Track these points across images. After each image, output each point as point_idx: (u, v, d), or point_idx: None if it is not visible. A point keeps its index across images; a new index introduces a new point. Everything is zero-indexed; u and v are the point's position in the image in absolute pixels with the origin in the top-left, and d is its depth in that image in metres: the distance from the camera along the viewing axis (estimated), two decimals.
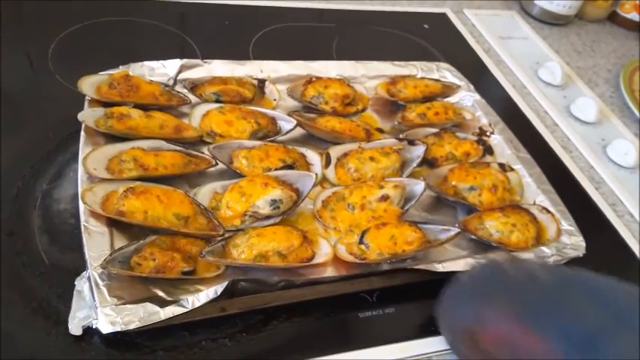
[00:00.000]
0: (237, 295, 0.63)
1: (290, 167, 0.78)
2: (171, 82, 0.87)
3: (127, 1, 1.07)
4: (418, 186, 0.78)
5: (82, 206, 0.65)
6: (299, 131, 0.85)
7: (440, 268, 0.69)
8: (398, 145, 0.85)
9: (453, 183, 0.82)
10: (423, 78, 1.01)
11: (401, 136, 0.88)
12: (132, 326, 0.57)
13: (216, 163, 0.76)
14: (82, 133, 0.74)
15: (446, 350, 0.65)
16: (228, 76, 0.89)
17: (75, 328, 0.58)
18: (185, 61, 0.90)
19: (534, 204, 0.83)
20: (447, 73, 1.05)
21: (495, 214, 0.77)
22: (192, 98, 0.85)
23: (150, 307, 0.58)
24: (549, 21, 1.40)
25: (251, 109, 0.84)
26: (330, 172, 0.81)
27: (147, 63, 0.88)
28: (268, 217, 0.72)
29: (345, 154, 0.83)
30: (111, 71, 0.83)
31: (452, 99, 1.00)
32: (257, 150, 0.78)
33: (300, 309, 0.65)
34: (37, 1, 1.01)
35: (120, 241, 0.65)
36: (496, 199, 0.81)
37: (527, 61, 1.23)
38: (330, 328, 0.66)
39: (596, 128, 1.09)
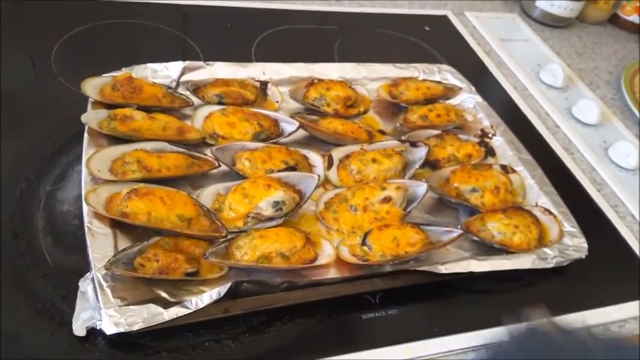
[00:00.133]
0: (240, 296, 0.63)
1: (292, 169, 0.78)
2: (173, 84, 0.87)
3: (130, 3, 1.07)
4: (420, 188, 0.79)
5: (85, 207, 0.66)
6: (301, 133, 0.86)
7: (442, 269, 0.69)
8: (400, 147, 0.85)
9: (455, 185, 0.82)
10: (424, 80, 1.01)
11: (403, 137, 0.88)
12: (136, 327, 0.57)
13: (219, 165, 0.77)
14: (86, 134, 0.74)
15: (448, 352, 0.66)
16: (231, 78, 0.90)
17: (79, 329, 0.58)
18: (188, 63, 0.90)
19: (536, 205, 0.83)
20: (448, 75, 1.05)
21: (498, 216, 0.78)
22: (195, 100, 0.86)
23: (153, 308, 0.58)
24: (550, 23, 1.41)
25: (253, 111, 0.84)
26: (333, 174, 0.81)
27: (150, 65, 0.88)
28: (271, 218, 0.72)
29: (348, 156, 0.83)
30: (114, 73, 0.83)
31: (453, 101, 1.00)
32: (260, 152, 0.78)
33: (303, 310, 0.65)
34: (40, 2, 1.02)
35: (123, 243, 0.65)
36: (498, 200, 0.81)
37: (529, 63, 1.24)
38: (333, 330, 0.66)
39: (597, 130, 1.10)
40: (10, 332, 0.58)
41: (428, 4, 1.35)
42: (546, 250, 0.75)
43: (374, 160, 0.81)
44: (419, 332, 0.67)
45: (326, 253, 0.69)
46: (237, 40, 1.07)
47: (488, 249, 0.76)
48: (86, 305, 0.59)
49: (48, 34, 0.96)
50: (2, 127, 0.77)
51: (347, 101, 0.91)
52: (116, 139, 0.75)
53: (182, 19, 1.10)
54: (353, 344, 0.64)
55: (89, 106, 0.79)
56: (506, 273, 0.72)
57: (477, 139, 0.92)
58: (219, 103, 0.86)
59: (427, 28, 1.26)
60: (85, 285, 0.61)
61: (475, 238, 0.76)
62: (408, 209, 0.77)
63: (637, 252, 0.86)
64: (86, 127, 0.75)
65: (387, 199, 0.75)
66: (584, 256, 0.76)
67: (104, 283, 0.60)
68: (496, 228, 0.76)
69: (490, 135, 0.95)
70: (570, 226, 0.80)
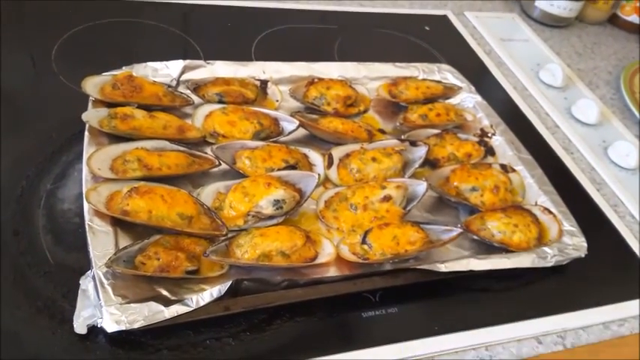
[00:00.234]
0: (240, 294, 0.63)
1: (293, 168, 0.78)
2: (174, 83, 0.88)
3: (131, 2, 1.08)
4: (420, 186, 0.79)
5: (86, 206, 0.66)
6: (301, 132, 0.86)
7: (442, 268, 0.69)
8: (400, 146, 0.85)
9: (455, 184, 0.83)
10: (424, 79, 1.01)
11: (403, 137, 0.88)
12: (136, 325, 0.57)
13: (220, 164, 0.77)
14: (86, 133, 0.74)
15: (448, 350, 0.66)
16: (231, 77, 0.90)
17: (80, 327, 0.58)
18: (188, 62, 0.90)
19: (536, 205, 0.83)
20: (448, 75, 1.05)
21: (497, 215, 0.78)
22: (195, 99, 0.86)
23: (154, 306, 0.58)
24: (550, 23, 1.41)
25: (254, 110, 0.85)
26: (333, 173, 0.82)
27: (150, 64, 0.88)
28: (271, 217, 0.72)
29: (348, 155, 0.83)
30: (114, 72, 0.83)
31: (453, 100, 1.00)
32: (260, 150, 0.78)
33: (304, 308, 0.65)
34: (40, 2, 1.02)
35: (124, 241, 0.65)
36: (498, 199, 0.81)
37: (528, 63, 1.24)
38: (333, 328, 0.66)
39: (597, 130, 1.10)
40: (10, 331, 0.58)
41: (428, 4, 1.36)
42: (546, 249, 0.76)
43: (374, 159, 0.82)
44: (419, 331, 0.67)
45: (326, 251, 0.70)
46: (238, 39, 1.08)
47: (487, 248, 0.76)
48: (87, 303, 0.59)
49: (48, 33, 0.96)
50: (3, 126, 0.77)
51: (347, 100, 0.91)
52: (117, 138, 0.75)
53: (182, 17, 1.10)
54: (353, 342, 0.64)
55: (90, 104, 0.79)
56: (505, 272, 0.72)
57: (476, 139, 0.92)
58: (220, 101, 0.86)
59: (427, 28, 1.26)
60: (85, 283, 0.61)
61: (475, 237, 0.76)
62: (408, 208, 0.77)
63: (636, 251, 0.87)
64: (87, 126, 0.75)
65: (387, 198, 0.76)
66: (583, 255, 0.77)
67: (105, 281, 0.60)
68: (496, 227, 0.76)
69: (490, 134, 0.95)
70: (570, 225, 0.80)
